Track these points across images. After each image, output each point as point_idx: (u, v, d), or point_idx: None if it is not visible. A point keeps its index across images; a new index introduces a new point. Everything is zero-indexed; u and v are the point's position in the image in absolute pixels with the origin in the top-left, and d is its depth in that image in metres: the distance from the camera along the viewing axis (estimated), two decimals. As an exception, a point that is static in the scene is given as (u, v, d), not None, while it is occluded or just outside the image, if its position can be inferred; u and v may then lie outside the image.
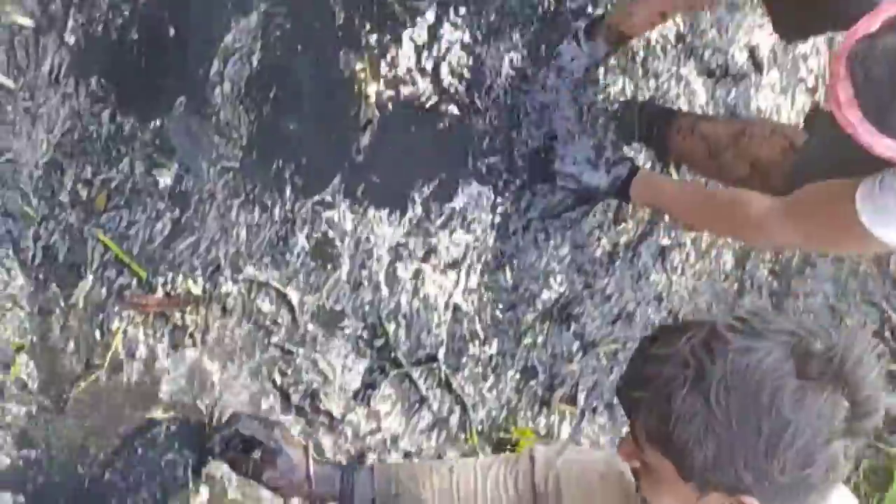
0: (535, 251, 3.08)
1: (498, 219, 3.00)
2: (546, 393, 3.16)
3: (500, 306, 3.04)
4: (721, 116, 3.42)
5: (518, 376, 3.10)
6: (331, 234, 2.72)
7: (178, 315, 2.50)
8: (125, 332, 2.42)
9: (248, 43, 2.57)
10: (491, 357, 3.04)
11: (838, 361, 1.53)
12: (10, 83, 2.21)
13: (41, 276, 2.31)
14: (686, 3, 3.03)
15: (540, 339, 3.13)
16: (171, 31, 2.47)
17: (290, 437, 2.41)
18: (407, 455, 2.91)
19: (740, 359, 1.54)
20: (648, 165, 3.21)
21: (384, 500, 2.34)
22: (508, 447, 3.10)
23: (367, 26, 2.74)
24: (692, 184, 3.25)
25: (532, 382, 3.13)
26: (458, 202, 2.92)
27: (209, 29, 2.53)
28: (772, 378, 1.53)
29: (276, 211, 2.64)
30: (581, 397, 3.22)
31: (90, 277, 2.37)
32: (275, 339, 2.66)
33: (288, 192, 2.65)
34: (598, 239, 3.19)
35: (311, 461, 2.34)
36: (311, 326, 2.71)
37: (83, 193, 2.35)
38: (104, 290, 2.39)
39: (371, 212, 2.77)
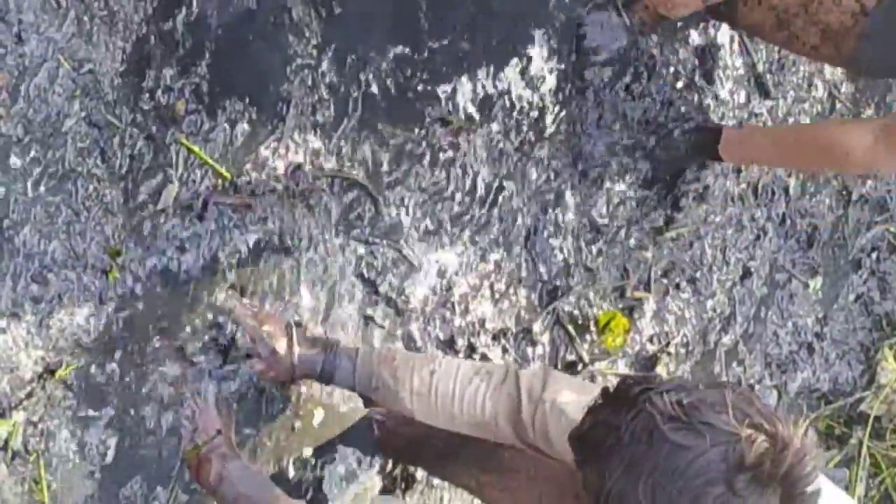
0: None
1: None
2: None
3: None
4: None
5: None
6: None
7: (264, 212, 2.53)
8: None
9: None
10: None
11: (776, 465, 1.49)
12: (85, -7, 2.22)
13: (130, 184, 2.35)
14: None
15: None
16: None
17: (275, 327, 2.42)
18: (495, 337, 2.95)
19: (673, 457, 1.51)
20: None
21: (363, 391, 2.35)
22: (594, 329, 3.12)
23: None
24: (784, 133, 3.27)
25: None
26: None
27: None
28: (698, 483, 1.49)
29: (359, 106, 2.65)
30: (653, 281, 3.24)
31: (176, 182, 2.40)
32: (357, 232, 2.68)
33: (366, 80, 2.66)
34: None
35: (295, 348, 2.36)
36: (394, 215, 2.73)
37: (163, 100, 2.37)
38: (190, 194, 2.43)
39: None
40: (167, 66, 2.37)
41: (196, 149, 2.41)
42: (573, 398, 2.10)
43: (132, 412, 2.40)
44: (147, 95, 2.35)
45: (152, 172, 2.37)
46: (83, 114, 2.26)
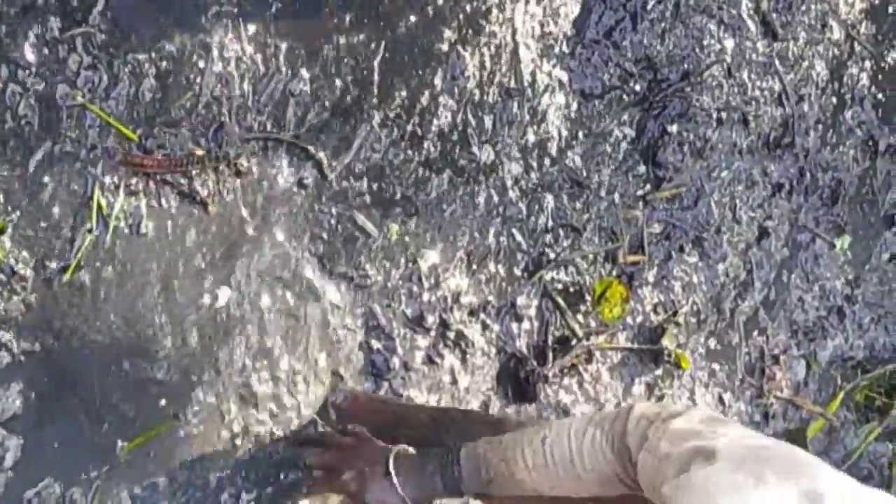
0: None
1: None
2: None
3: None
4: None
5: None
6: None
7: (182, 180, 2.24)
8: (124, 201, 2.18)
9: None
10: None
11: None
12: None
13: (15, 151, 2.07)
14: None
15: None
16: None
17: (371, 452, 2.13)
18: (473, 313, 2.64)
19: None
20: None
21: (476, 489, 2.02)
22: (588, 299, 2.80)
23: None
24: None
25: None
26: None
27: None
28: None
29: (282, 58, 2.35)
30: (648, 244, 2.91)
31: (71, 146, 2.12)
32: (301, 200, 2.39)
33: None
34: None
35: (395, 480, 2.04)
36: (339, 176, 2.43)
37: (49, 53, 2.09)
38: (87, 156, 2.14)
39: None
40: (52, 14, 2.09)
41: (96, 108, 2.13)
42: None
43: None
44: (29, 49, 2.07)
45: (41, 137, 2.09)
46: (-50, 70, 1.99)
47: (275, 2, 2.33)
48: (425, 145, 2.54)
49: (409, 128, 2.52)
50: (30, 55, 2.07)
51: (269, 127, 2.34)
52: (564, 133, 2.74)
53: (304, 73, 2.37)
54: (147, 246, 2.22)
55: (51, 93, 2.09)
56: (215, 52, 2.27)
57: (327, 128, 2.41)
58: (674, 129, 2.89)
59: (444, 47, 2.55)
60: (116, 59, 2.16)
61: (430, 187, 2.56)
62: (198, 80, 2.25)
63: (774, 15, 3.04)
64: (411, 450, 2.11)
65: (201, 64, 2.25)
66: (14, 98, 2.05)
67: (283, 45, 2.35)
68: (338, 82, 2.42)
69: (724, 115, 2.95)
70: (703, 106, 2.92)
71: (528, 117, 2.67)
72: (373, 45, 2.46)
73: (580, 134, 2.76)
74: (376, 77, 2.46)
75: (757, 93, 3.03)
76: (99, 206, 2.14)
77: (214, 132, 2.28)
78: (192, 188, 2.25)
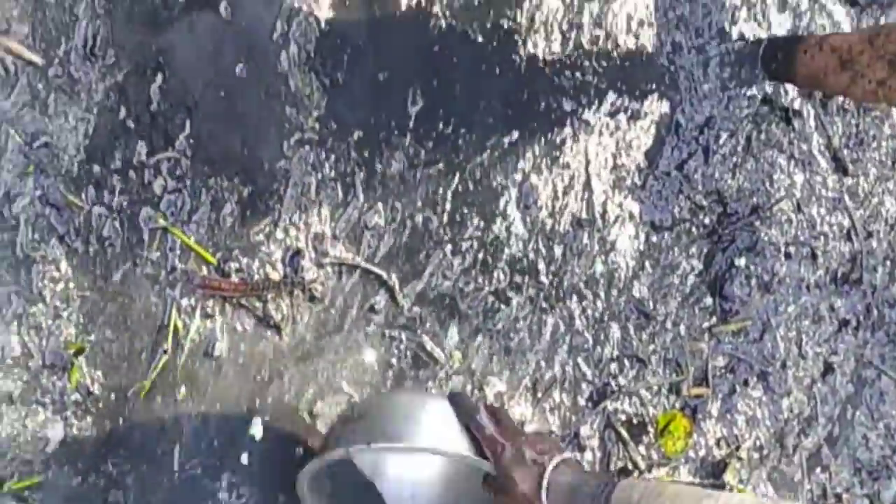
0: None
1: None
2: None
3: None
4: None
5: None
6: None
7: (258, 303, 2.26)
8: (200, 324, 2.19)
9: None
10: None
11: None
12: (37, 59, 1.99)
13: (96, 271, 2.10)
14: None
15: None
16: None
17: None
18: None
19: None
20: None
21: None
22: (651, 431, 2.78)
23: None
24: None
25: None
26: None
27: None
28: None
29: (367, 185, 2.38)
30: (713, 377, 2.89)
31: (152, 268, 2.15)
32: (373, 328, 2.40)
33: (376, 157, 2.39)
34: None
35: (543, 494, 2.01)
36: (412, 306, 2.45)
37: (135, 177, 2.13)
38: (166, 277, 2.17)
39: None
40: (140, 139, 2.13)
41: (177, 231, 2.16)
42: None
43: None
44: (117, 172, 2.11)
45: (123, 258, 2.12)
46: (38, 192, 2.02)
47: (356, 130, 2.36)
48: (495, 274, 2.55)
49: (481, 256, 2.53)
50: (116, 178, 2.10)
51: (343, 253, 2.36)
52: (632, 264, 2.74)
53: (380, 202, 2.40)
54: (220, 368, 2.23)
55: (134, 215, 2.13)
56: (295, 178, 2.30)
57: (400, 254, 2.43)
58: (742, 262, 2.89)
59: (518, 177, 2.57)
60: (199, 184, 2.19)
61: (499, 315, 2.57)
62: (277, 205, 2.28)
63: (846, 151, 3.05)
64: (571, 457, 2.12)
65: (281, 190, 2.28)
66: (99, 220, 2.09)
67: (362, 173, 2.38)
68: (412, 210, 2.44)
69: (792, 249, 2.94)
70: (772, 240, 2.92)
71: (597, 247, 2.68)
72: (448, 176, 2.48)
73: (648, 265, 2.76)
74: (449, 205, 2.49)
75: (826, 228, 3.02)
76: (175, 328, 2.16)
77: (291, 257, 2.30)
78: (266, 312, 2.27)
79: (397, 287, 2.42)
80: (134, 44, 2.11)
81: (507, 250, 2.57)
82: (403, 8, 2.42)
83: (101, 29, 2.06)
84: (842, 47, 2.67)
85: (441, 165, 2.47)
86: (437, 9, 2.45)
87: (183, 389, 2.20)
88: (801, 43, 2.83)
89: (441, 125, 2.47)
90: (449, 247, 2.49)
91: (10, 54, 1.95)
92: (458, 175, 2.50)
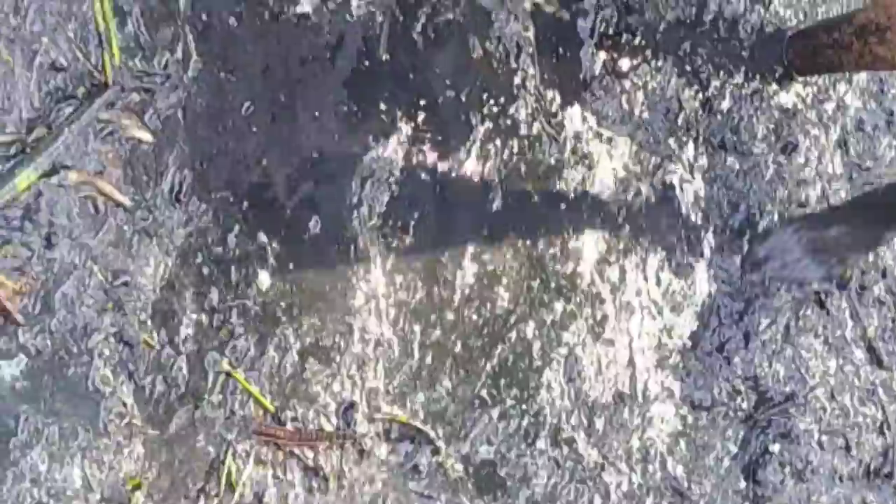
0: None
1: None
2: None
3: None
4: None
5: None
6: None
7: (309, 453, 2.29)
8: (252, 469, 2.23)
9: (388, 165, 2.41)
10: None
11: None
12: (126, 201, 2.07)
13: (160, 410, 2.14)
14: None
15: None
16: (307, 152, 2.32)
17: None
18: None
19: None
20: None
21: None
22: None
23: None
24: None
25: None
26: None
27: (347, 146, 2.37)
28: None
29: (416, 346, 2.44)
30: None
31: (212, 410, 2.19)
32: (414, 485, 2.43)
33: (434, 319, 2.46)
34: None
35: None
36: (458, 470, 2.48)
37: (206, 320, 2.18)
38: (226, 421, 2.21)
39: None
40: (214, 285, 2.19)
41: (239, 376, 2.21)
42: None
43: None
44: (188, 316, 2.16)
45: (185, 398, 2.16)
46: (113, 329, 2.07)
47: (417, 292, 2.43)
48: (538, 443, 2.58)
49: (525, 423, 2.57)
50: (188, 321, 2.16)
51: (395, 410, 2.40)
52: (669, 442, 2.78)
53: (435, 365, 2.45)
54: (267, 516, 2.26)
55: (201, 358, 2.18)
56: (356, 335, 2.36)
57: (448, 415, 2.47)
58: (776, 448, 2.92)
59: (563, 350, 2.63)
60: (265, 333, 2.25)
61: (537, 484, 2.59)
62: (336, 359, 2.34)
63: (881, 343, 3.10)
64: None
65: (342, 345, 2.34)
66: (168, 360, 2.14)
67: (417, 329, 2.43)
68: (463, 374, 2.49)
69: (825, 438, 2.98)
70: (806, 428, 2.95)
71: (637, 423, 2.72)
72: (497, 346, 2.54)
73: (684, 444, 2.80)
74: (497, 374, 2.54)
75: (859, 419, 3.06)
76: (229, 472, 2.19)
77: (345, 410, 2.34)
78: (316, 463, 2.30)
79: (443, 448, 2.46)
80: (216, 195, 2.19)
81: (550, 420, 2.61)
82: (466, 181, 2.52)
83: (188, 178, 2.15)
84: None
85: (492, 335, 2.53)
86: (495, 180, 2.55)
87: (230, 534, 2.22)
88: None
89: (493, 299, 2.54)
90: (496, 412, 2.53)
91: (101, 195, 2.03)
92: (506, 345, 2.56)
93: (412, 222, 2.45)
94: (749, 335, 2.90)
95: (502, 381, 2.55)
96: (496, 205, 2.55)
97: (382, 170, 2.41)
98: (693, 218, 2.81)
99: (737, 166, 2.86)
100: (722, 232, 2.85)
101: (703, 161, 2.81)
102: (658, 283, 2.77)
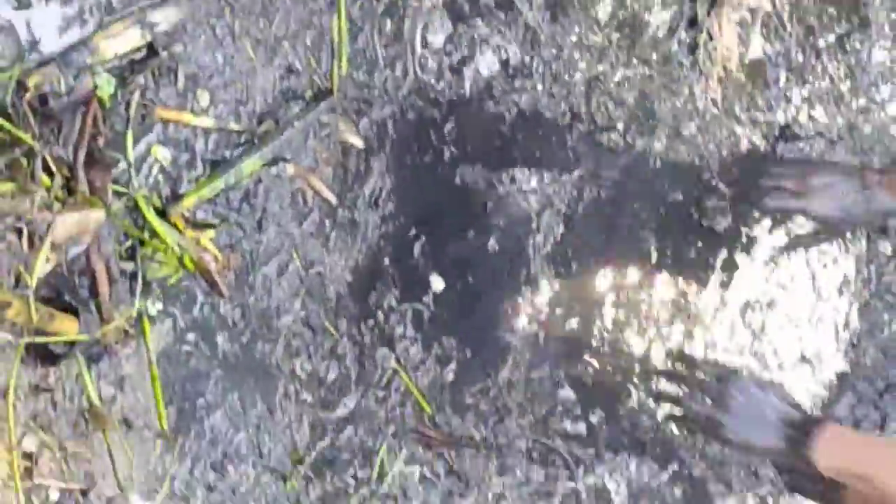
0: None
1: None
2: None
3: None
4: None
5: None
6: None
7: (454, 457, 2.44)
8: (402, 464, 2.38)
9: (570, 193, 2.55)
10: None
11: None
12: (332, 198, 2.23)
13: (330, 396, 2.30)
14: None
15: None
16: (489, 177, 2.47)
17: None
18: None
19: None
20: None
21: None
22: None
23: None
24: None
25: None
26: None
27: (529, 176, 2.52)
28: None
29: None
30: None
31: (376, 404, 2.35)
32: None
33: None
34: None
35: None
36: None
37: (383, 318, 2.34)
38: (386, 415, 2.36)
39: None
40: (394, 286, 2.35)
41: (405, 376, 2.36)
42: None
43: None
44: (368, 311, 2.33)
45: (354, 387, 2.32)
46: (303, 314, 2.24)
47: (576, 325, 2.57)
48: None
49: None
50: (367, 316, 2.32)
51: (548, 432, 2.54)
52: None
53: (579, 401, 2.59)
54: (409, 512, 2.41)
55: (373, 353, 2.33)
56: (515, 356, 2.50)
57: (585, 445, 2.60)
58: None
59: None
60: (433, 339, 2.40)
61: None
62: (492, 373, 2.48)
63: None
64: None
65: (499, 362, 2.48)
66: (345, 350, 2.30)
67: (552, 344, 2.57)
68: (605, 415, 2.62)
69: None
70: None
71: None
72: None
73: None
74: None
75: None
76: (382, 463, 2.35)
77: (494, 423, 2.48)
78: (461, 468, 2.44)
79: (580, 476, 2.59)
80: (411, 203, 2.35)
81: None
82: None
83: (389, 183, 2.31)
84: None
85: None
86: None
87: (375, 521, 2.37)
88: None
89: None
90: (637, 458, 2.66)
91: (311, 189, 2.20)
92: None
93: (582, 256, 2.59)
94: None
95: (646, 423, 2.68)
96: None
97: (561, 201, 2.55)
98: None
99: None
100: None
101: None
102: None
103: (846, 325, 3.00)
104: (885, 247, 3.05)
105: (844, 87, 2.93)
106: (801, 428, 2.34)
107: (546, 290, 2.54)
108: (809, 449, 2.30)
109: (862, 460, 2.25)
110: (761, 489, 2.84)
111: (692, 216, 2.72)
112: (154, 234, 1.96)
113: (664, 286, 2.70)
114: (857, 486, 2.27)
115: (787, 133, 2.85)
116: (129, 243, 1.96)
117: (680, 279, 2.71)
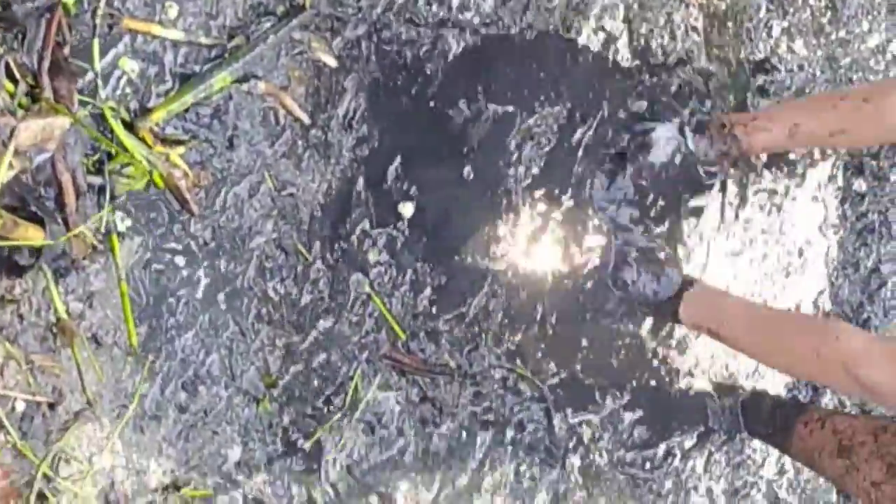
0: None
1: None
2: None
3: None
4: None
5: None
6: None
7: (428, 383, 2.42)
8: (376, 390, 2.36)
9: (551, 125, 2.52)
10: None
11: None
12: (305, 117, 2.20)
13: (302, 319, 2.28)
14: (837, 122, 2.46)
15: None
16: (466, 102, 2.43)
17: None
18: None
19: None
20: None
21: None
22: None
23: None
24: (762, 306, 2.82)
25: None
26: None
27: (514, 101, 2.49)
28: None
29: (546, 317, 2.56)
30: None
31: (349, 328, 2.32)
32: (522, 438, 2.56)
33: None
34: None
35: None
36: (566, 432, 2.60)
37: (356, 242, 2.32)
38: (359, 340, 2.34)
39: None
40: (368, 212, 2.32)
41: (379, 301, 2.34)
42: None
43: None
44: (342, 235, 2.30)
45: (327, 312, 2.30)
46: (274, 235, 2.21)
47: (558, 261, 2.54)
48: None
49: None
50: (341, 240, 2.29)
51: (518, 361, 2.52)
52: None
53: (558, 336, 2.57)
54: (380, 442, 2.39)
55: (347, 277, 2.31)
56: (489, 283, 2.47)
57: (566, 383, 2.59)
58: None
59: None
60: (407, 265, 2.37)
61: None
62: (468, 300, 2.45)
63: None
64: None
65: (476, 288, 2.46)
66: (318, 273, 2.27)
67: (548, 295, 2.54)
68: (590, 354, 2.60)
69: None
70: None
71: None
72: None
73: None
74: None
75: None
76: (355, 388, 2.32)
77: (468, 351, 2.46)
78: (435, 394, 2.42)
79: (552, 408, 2.58)
80: (386, 126, 2.31)
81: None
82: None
83: (363, 105, 2.28)
84: (844, 431, 2.49)
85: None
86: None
87: (343, 454, 2.35)
88: (801, 415, 2.67)
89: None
90: (613, 400, 2.64)
91: (283, 108, 2.16)
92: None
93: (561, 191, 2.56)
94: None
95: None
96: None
97: (543, 134, 2.52)
98: None
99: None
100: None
101: None
102: None
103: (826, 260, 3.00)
104: (860, 185, 3.04)
105: (824, 18, 2.90)
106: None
107: (525, 220, 2.51)
108: (677, 305, 2.60)
109: (713, 316, 2.54)
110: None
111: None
112: (122, 147, 1.93)
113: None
114: (714, 337, 2.57)
115: (766, 65, 2.82)
116: (96, 157, 1.94)
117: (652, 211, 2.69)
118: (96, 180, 1.93)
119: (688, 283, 2.60)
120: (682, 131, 2.60)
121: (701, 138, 2.60)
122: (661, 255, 2.62)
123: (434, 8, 2.34)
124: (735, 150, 2.60)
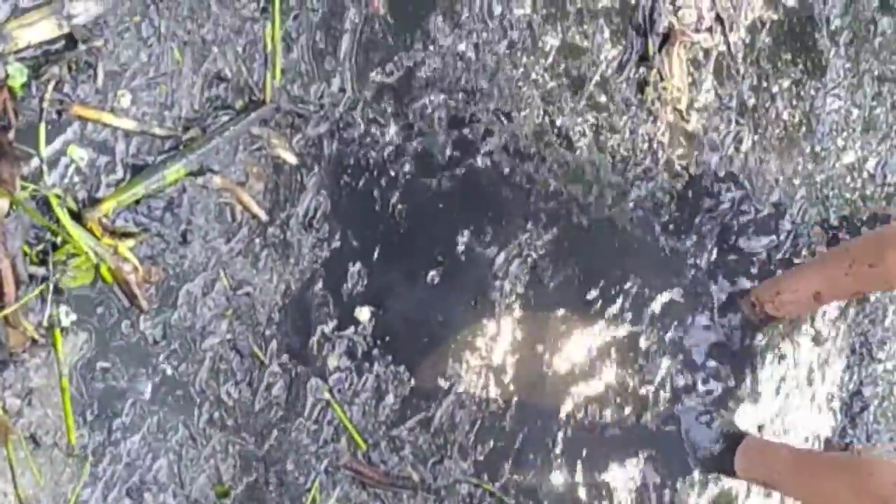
0: None
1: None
2: None
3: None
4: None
5: None
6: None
7: (390, 498, 2.32)
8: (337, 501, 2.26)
9: (518, 235, 2.47)
10: None
11: None
12: (262, 214, 2.14)
13: (257, 426, 2.18)
14: (854, 285, 2.64)
15: None
16: (431, 204, 2.38)
17: None
18: None
19: None
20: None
21: None
22: None
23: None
24: (806, 450, 2.91)
25: None
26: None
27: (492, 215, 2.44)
28: None
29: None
30: None
31: (307, 437, 2.23)
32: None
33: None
34: None
35: None
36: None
37: (316, 346, 2.24)
38: (317, 450, 2.24)
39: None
40: (328, 315, 2.25)
41: (338, 408, 2.25)
42: None
43: None
44: (300, 338, 2.22)
45: (284, 418, 2.20)
46: (229, 336, 2.13)
47: (529, 369, 2.47)
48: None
49: (608, 514, 2.57)
50: (298, 343, 2.21)
51: (484, 476, 2.42)
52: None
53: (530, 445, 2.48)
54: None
55: (304, 382, 2.22)
56: (455, 396, 2.39)
57: (533, 486, 2.49)
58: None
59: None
60: (368, 371, 2.29)
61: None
62: (433, 409, 2.36)
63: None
64: None
65: (440, 396, 2.37)
66: (273, 378, 2.19)
67: (518, 405, 2.46)
68: (560, 460, 2.51)
69: None
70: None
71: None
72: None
73: None
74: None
75: None
76: (313, 501, 2.22)
77: (433, 464, 2.36)
78: (397, 510, 2.32)
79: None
80: (348, 228, 2.25)
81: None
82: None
83: (324, 204, 2.22)
84: None
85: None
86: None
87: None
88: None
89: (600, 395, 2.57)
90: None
91: (240, 204, 2.10)
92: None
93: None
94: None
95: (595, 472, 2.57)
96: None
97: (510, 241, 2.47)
98: None
99: None
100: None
101: None
102: None
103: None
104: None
105: (798, 134, 2.87)
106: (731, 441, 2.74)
107: (500, 333, 2.44)
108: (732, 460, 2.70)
109: (770, 469, 2.63)
110: None
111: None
112: (68, 236, 1.86)
113: (612, 327, 2.61)
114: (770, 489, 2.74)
115: (736, 181, 2.79)
116: (41, 246, 1.86)
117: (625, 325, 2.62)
118: (40, 271, 1.85)
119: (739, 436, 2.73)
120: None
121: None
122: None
123: (399, 108, 2.31)
124: (766, 320, 2.81)
